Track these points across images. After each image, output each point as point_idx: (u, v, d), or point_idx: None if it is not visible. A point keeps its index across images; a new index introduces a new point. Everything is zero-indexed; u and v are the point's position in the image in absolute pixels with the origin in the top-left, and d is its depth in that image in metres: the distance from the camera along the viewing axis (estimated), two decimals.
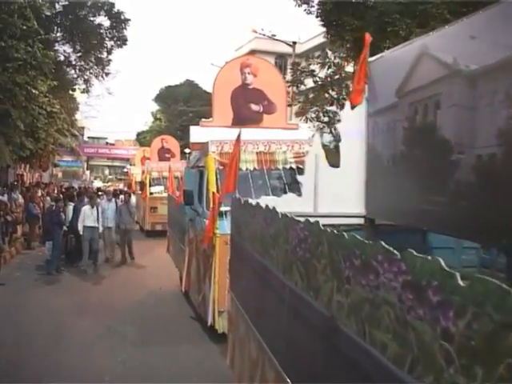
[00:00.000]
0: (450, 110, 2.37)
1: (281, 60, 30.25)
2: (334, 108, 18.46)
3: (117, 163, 51.77)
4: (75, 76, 21.26)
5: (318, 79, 18.08)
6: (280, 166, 6.16)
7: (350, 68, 16.93)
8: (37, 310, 6.98)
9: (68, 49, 20.21)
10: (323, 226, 1.61)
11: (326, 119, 18.64)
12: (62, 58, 19.96)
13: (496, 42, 2.01)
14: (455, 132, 2.36)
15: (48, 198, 14.50)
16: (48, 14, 17.12)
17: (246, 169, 5.88)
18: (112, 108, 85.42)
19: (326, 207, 3.17)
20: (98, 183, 39.30)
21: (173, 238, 9.27)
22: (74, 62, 20.79)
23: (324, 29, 14.19)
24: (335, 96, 18.03)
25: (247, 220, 2.70)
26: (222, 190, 5.17)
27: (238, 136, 4.85)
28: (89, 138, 47.19)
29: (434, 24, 8.43)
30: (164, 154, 19.50)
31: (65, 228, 10.12)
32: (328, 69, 17.90)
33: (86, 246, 9.66)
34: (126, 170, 38.70)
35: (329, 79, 17.92)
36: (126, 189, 23.40)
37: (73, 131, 23.33)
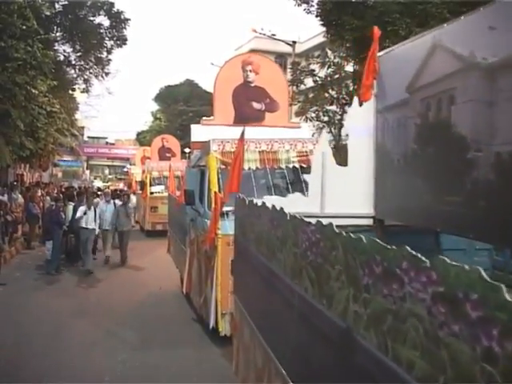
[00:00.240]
0: (466, 105, 2.25)
1: (281, 59, 30.14)
2: (333, 107, 18.47)
3: (117, 163, 51.69)
4: (75, 76, 21.23)
5: (317, 79, 18.13)
6: (283, 166, 6.05)
7: (349, 67, 16.94)
8: (37, 310, 6.92)
9: (68, 48, 20.19)
10: None
11: (325, 119, 18.65)
12: (61, 57, 19.92)
13: None
14: (472, 128, 2.24)
15: (48, 198, 14.44)
16: (48, 13, 17.08)
17: (249, 168, 5.77)
18: (112, 108, 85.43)
19: (333, 207, 3.05)
20: (97, 183, 39.21)
21: (173, 239, 9.16)
22: (73, 62, 20.76)
23: (324, 28, 14.17)
24: (335, 95, 18.07)
25: (252, 221, 2.58)
26: (224, 190, 5.05)
27: (242, 134, 4.73)
28: (89, 137, 47.12)
29: (434, 23, 8.38)
30: (164, 154, 19.40)
31: (65, 228, 10.05)
32: (328, 68, 17.95)
33: (84, 248, 9.56)
34: (125, 169, 38.63)
35: (329, 79, 17.98)
36: (126, 188, 23.32)
37: (73, 131, 23.25)
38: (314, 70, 18.16)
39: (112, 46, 20.38)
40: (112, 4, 19.81)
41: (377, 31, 3.03)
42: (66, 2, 18.92)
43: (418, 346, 1.04)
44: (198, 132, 7.34)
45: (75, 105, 24.35)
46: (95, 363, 5.00)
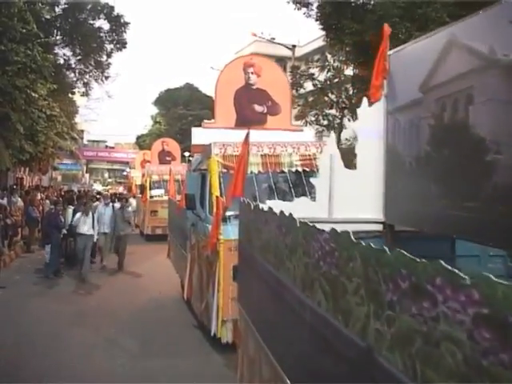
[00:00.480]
0: (485, 104, 2.12)
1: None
2: (333, 111, 18.49)
3: (116, 166, 51.67)
4: (75, 79, 21.25)
5: (317, 82, 18.20)
6: (286, 169, 5.94)
7: (349, 71, 16.97)
8: (36, 312, 6.90)
9: (68, 52, 20.24)
10: None
11: (325, 122, 18.66)
12: (61, 61, 19.94)
13: None
14: (491, 129, 2.11)
15: (47, 202, 14.36)
16: (48, 17, 17.13)
17: (251, 172, 5.66)
18: (112, 111, 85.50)
19: (342, 212, 2.92)
20: (97, 186, 39.14)
21: (174, 243, 9.04)
22: (73, 66, 20.78)
23: (323, 32, 14.17)
24: (334, 99, 18.13)
25: (258, 227, 2.45)
26: (227, 194, 4.93)
27: (247, 137, 4.62)
28: (88, 141, 47.05)
29: (433, 27, 8.39)
30: (165, 157, 19.32)
31: (64, 231, 9.97)
32: (327, 72, 18.04)
33: (80, 254, 9.38)
34: (125, 173, 38.56)
35: (328, 82, 18.07)
36: (125, 192, 23.21)
37: (72, 134, 23.21)
38: (313, 74, 18.21)
39: (112, 49, 20.41)
40: (112, 8, 19.85)
41: (387, 29, 2.92)
42: (66, 6, 18.93)
43: (455, 374, 0.92)
44: (198, 135, 7.23)
45: (75, 108, 24.34)
46: (95, 370, 4.94)
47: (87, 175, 46.67)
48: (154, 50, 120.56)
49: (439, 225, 2.50)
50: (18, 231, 12.50)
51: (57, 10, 18.85)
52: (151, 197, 15.91)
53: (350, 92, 17.60)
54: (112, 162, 50.99)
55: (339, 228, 1.58)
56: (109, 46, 20.29)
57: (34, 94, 13.09)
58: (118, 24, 19.99)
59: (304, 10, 14.04)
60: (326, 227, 1.65)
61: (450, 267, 0.93)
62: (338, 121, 18.61)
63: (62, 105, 19.05)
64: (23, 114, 13.02)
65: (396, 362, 1.13)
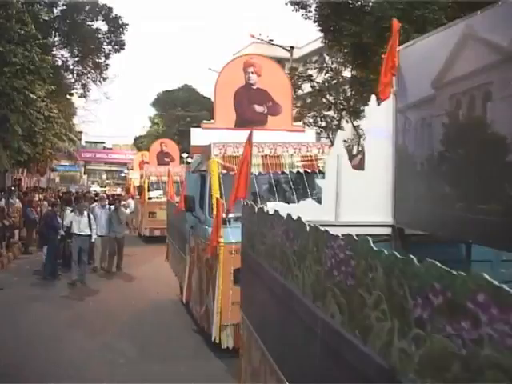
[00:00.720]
0: (505, 101, 2.00)
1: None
2: (331, 113, 18.50)
3: (114, 168, 51.55)
4: (73, 81, 21.24)
5: (315, 84, 18.19)
6: (287, 170, 5.82)
7: (347, 73, 16.98)
8: (34, 315, 6.86)
9: (66, 53, 20.26)
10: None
11: (323, 124, 18.67)
12: (59, 62, 19.92)
13: None
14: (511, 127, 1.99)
15: (45, 203, 14.25)
16: (46, 18, 17.10)
17: (251, 173, 5.52)
18: (110, 112, 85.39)
19: (349, 215, 2.79)
20: (95, 188, 38.98)
21: (172, 246, 8.91)
22: (71, 67, 20.78)
23: (321, 34, 14.14)
24: (332, 101, 18.14)
25: (263, 231, 2.31)
26: (230, 196, 4.79)
27: (250, 137, 4.49)
28: (86, 142, 46.92)
29: (431, 29, 8.38)
30: (163, 158, 19.18)
31: (62, 233, 9.83)
32: (325, 74, 18.05)
33: (74, 256, 8.96)
34: (123, 174, 38.43)
35: (326, 84, 18.07)
36: (123, 194, 23.07)
37: (70, 136, 23.09)
38: (311, 76, 18.24)
39: (110, 50, 20.40)
40: (110, 9, 19.83)
41: (396, 23, 2.80)
42: (64, 7, 18.87)
43: None
44: (198, 136, 7.09)
45: (73, 110, 24.26)
46: (94, 367, 4.97)
47: (85, 176, 46.56)
48: (152, 51, 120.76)
49: (453, 229, 2.37)
50: (16, 232, 12.43)
51: (55, 11, 18.82)
52: (149, 198, 15.77)
53: (348, 94, 17.59)
54: (110, 164, 50.87)
55: (346, 231, 1.45)
56: (107, 48, 20.29)
57: (32, 96, 13.04)
58: (116, 25, 19.96)
59: (302, 11, 14.00)
60: (333, 231, 1.52)
61: (496, 282, 0.80)
62: (336, 122, 18.58)
63: (60, 106, 18.98)
64: (21, 115, 12.96)
65: None
